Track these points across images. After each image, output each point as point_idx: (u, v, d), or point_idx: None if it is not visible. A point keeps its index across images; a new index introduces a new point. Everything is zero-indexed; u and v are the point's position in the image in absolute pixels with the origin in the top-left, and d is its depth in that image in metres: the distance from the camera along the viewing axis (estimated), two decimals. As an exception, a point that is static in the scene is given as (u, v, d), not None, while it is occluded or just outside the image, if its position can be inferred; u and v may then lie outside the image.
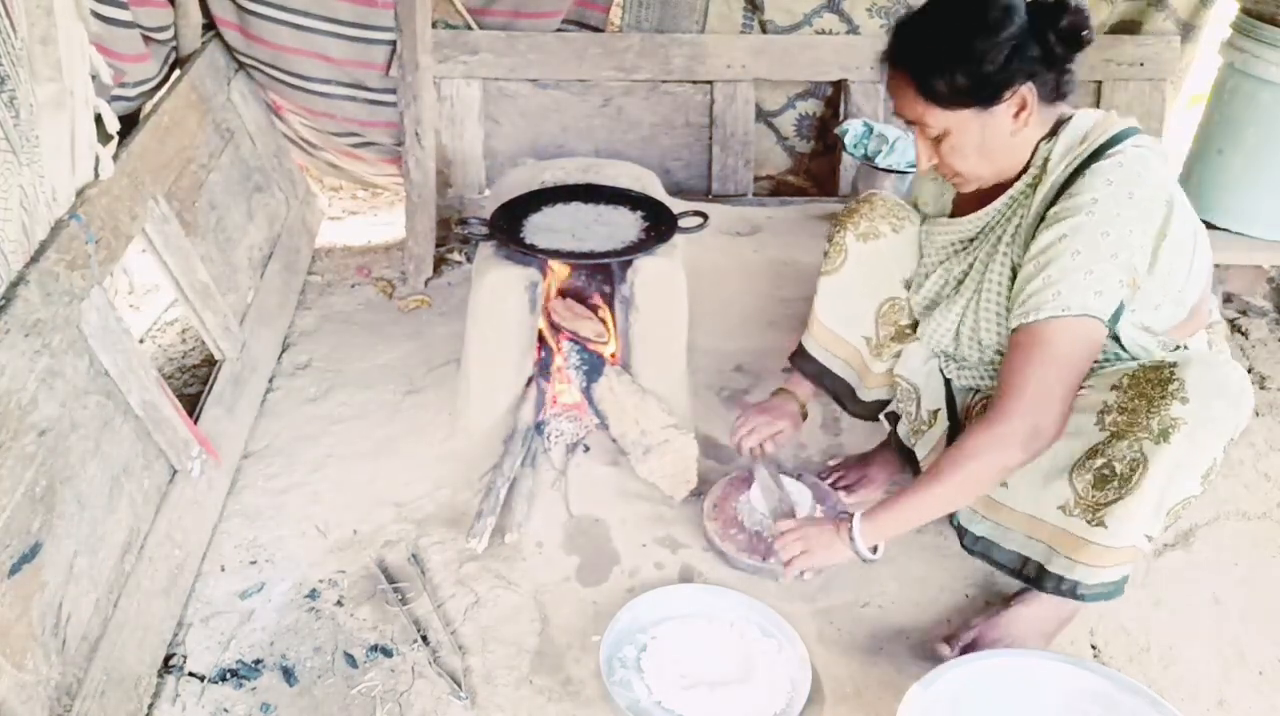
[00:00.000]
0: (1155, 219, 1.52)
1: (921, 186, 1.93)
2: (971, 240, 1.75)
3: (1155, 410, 1.48)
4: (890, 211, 1.89)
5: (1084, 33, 1.54)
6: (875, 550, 1.68)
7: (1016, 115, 1.56)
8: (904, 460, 2.07)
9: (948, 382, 1.89)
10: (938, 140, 1.61)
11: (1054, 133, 1.60)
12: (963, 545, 1.78)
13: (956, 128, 1.57)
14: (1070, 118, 1.60)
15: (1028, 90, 1.54)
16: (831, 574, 1.92)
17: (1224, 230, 2.68)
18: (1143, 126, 1.60)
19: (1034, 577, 1.66)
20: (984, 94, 1.53)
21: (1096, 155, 1.54)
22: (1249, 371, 2.64)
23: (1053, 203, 1.56)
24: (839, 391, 2.05)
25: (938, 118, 1.57)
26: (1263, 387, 2.58)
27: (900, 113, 1.63)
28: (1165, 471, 1.49)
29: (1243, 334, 2.81)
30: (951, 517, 1.78)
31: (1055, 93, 1.59)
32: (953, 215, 1.81)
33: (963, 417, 1.87)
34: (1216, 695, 1.74)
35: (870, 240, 1.88)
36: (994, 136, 1.58)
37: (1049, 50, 1.53)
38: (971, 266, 1.74)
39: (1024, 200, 1.64)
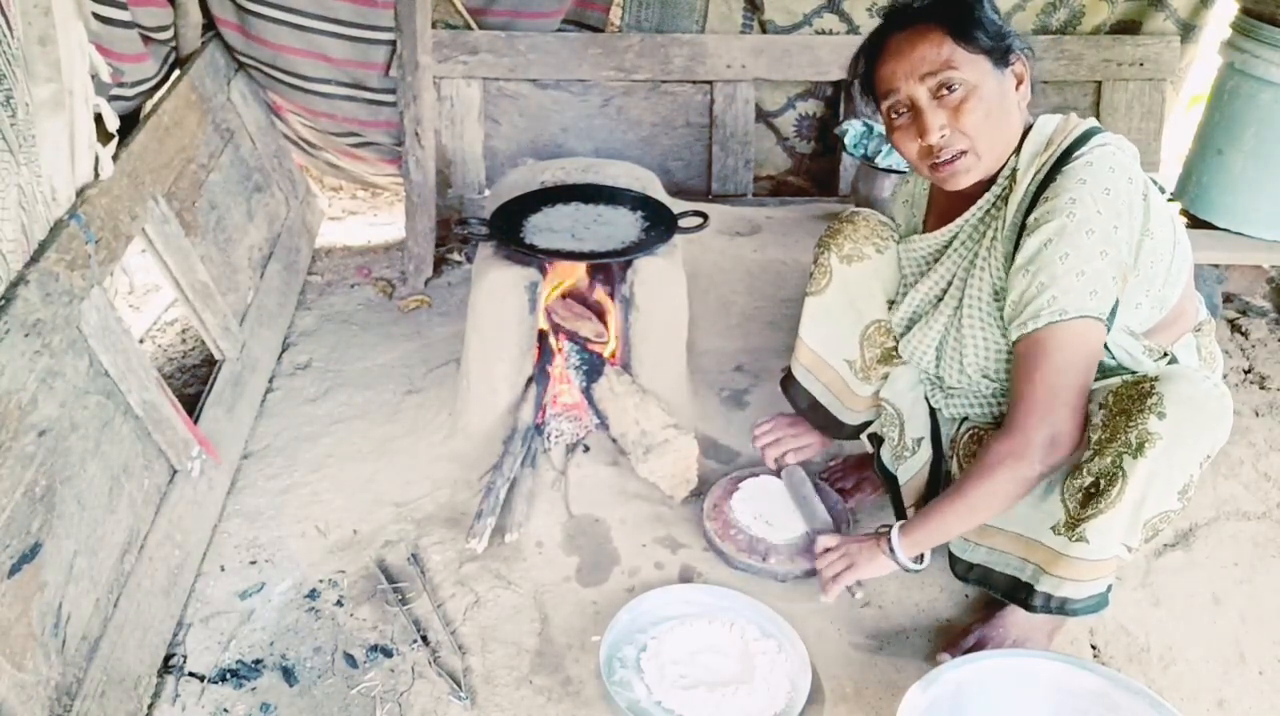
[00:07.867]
0: (1136, 214, 1.53)
1: (893, 209, 1.93)
2: (943, 252, 1.74)
3: (1133, 424, 1.47)
4: (874, 231, 1.87)
5: None
6: (920, 559, 1.70)
7: (1017, 87, 1.61)
8: (886, 484, 2.02)
9: (934, 412, 1.89)
10: (953, 102, 1.56)
11: (1018, 143, 1.62)
12: (955, 573, 1.78)
13: (979, 78, 1.56)
14: (1031, 125, 1.62)
15: (1023, 65, 1.60)
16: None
17: (1224, 230, 2.68)
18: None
19: (1025, 598, 1.66)
20: (1001, 47, 1.57)
21: (1065, 158, 1.54)
22: (1249, 371, 2.65)
23: (1029, 210, 1.56)
24: (823, 424, 2.06)
25: (966, 62, 1.55)
26: (1263, 388, 2.58)
27: (915, 73, 1.56)
28: (1141, 484, 1.49)
29: (1243, 334, 2.80)
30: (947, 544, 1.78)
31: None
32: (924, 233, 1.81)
33: (948, 450, 1.86)
34: (1216, 695, 1.74)
35: (855, 263, 1.88)
36: (1003, 101, 1.58)
37: None
38: (950, 283, 1.73)
39: (995, 213, 1.65)
